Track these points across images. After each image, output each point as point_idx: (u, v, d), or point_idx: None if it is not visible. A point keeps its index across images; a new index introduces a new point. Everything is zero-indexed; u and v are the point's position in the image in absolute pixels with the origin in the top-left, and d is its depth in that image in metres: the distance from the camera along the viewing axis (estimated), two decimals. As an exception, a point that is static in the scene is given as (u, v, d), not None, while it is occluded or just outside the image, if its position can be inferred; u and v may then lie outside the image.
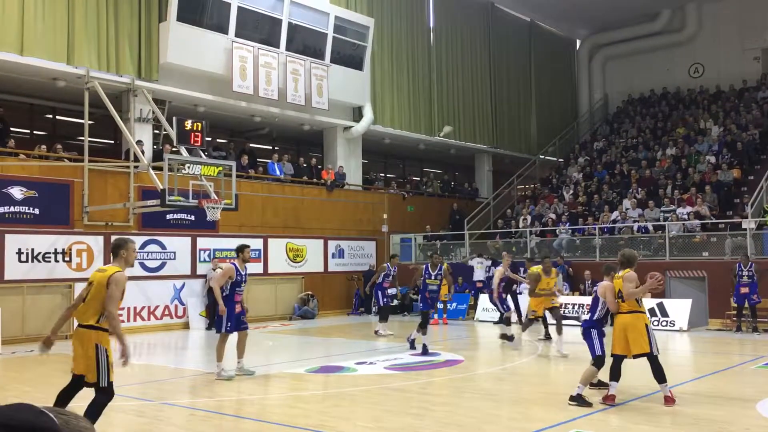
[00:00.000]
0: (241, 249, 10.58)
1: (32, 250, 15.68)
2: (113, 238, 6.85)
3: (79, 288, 16.23)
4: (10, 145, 16.33)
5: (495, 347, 13.91)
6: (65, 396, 6.38)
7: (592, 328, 8.54)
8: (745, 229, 17.99)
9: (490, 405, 8.46)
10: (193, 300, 18.44)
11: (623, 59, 33.31)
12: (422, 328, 12.93)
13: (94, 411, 6.17)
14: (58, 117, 20.02)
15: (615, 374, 8.19)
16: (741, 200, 20.69)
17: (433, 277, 13.27)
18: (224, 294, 10.21)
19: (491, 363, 12.54)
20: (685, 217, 19.81)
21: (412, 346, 13.33)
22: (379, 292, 16.58)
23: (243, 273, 10.35)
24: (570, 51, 35.23)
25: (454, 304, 20.60)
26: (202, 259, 18.78)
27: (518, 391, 9.48)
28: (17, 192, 15.61)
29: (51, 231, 16.06)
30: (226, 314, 10.15)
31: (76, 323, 6.47)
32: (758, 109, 26.43)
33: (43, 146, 17.14)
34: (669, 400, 8.00)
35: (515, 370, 11.47)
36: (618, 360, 8.23)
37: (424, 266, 13.69)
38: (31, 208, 15.83)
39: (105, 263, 16.75)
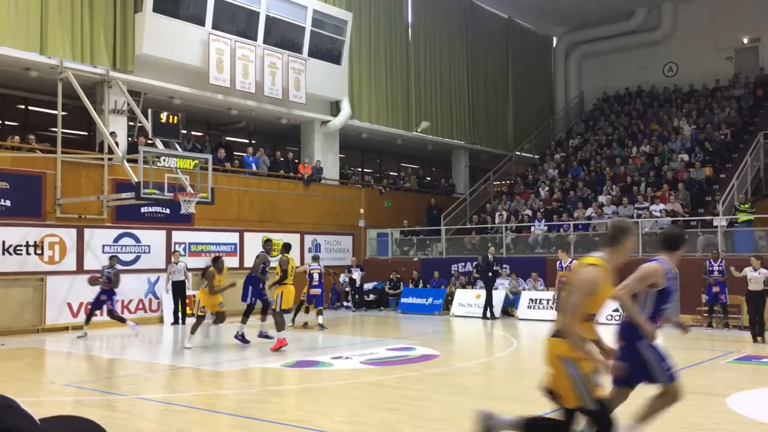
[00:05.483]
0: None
1: (3, 242, 15.43)
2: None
3: (51, 281, 16.06)
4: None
5: (471, 342, 13.97)
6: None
7: None
8: (717, 227, 18.27)
9: (465, 399, 8.50)
10: (168, 296, 18.24)
11: (599, 57, 33.57)
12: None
13: None
14: (30, 108, 19.70)
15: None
16: (713, 198, 20.98)
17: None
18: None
19: (467, 358, 12.62)
20: (658, 214, 20.06)
21: None
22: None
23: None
24: (547, 48, 35.44)
25: (431, 299, 20.69)
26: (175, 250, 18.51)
27: (493, 385, 9.55)
28: (-12, 183, 15.36)
29: (23, 223, 15.82)
30: None
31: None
32: (730, 108, 26.82)
33: (16, 137, 16.87)
34: None
35: (490, 364, 11.56)
36: None
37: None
38: (3, 200, 15.58)
39: (78, 256, 16.68)
